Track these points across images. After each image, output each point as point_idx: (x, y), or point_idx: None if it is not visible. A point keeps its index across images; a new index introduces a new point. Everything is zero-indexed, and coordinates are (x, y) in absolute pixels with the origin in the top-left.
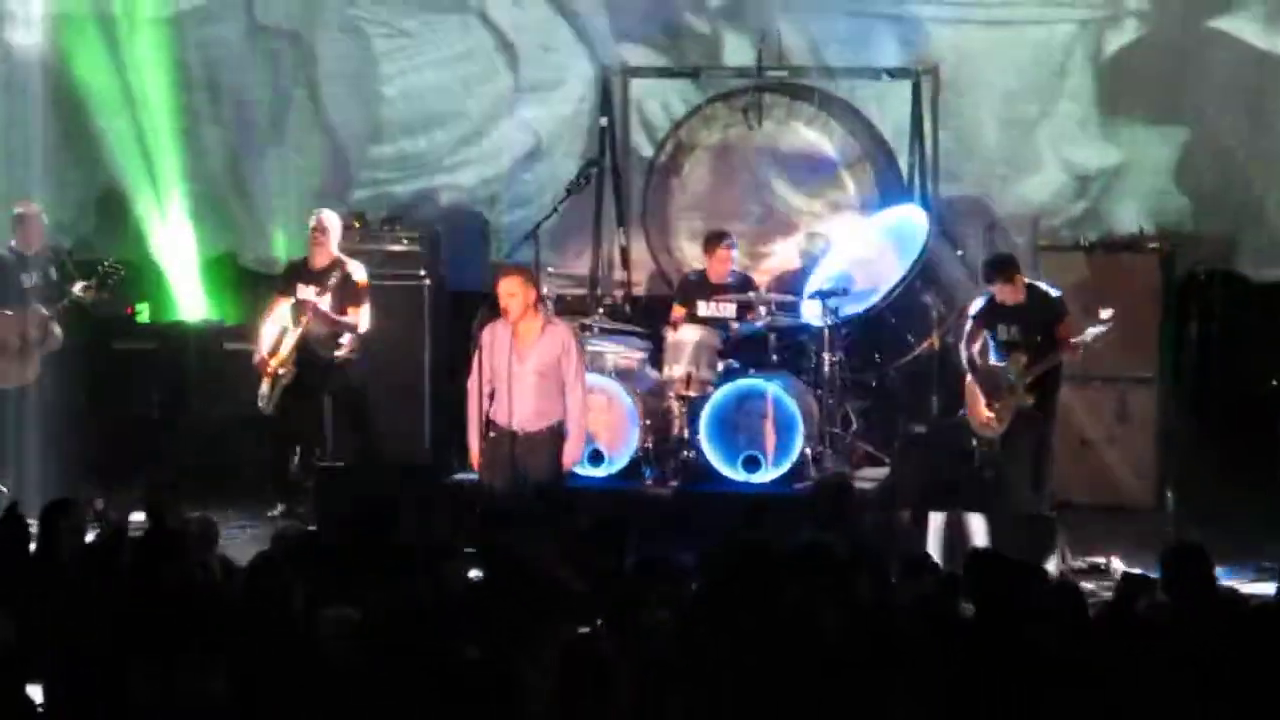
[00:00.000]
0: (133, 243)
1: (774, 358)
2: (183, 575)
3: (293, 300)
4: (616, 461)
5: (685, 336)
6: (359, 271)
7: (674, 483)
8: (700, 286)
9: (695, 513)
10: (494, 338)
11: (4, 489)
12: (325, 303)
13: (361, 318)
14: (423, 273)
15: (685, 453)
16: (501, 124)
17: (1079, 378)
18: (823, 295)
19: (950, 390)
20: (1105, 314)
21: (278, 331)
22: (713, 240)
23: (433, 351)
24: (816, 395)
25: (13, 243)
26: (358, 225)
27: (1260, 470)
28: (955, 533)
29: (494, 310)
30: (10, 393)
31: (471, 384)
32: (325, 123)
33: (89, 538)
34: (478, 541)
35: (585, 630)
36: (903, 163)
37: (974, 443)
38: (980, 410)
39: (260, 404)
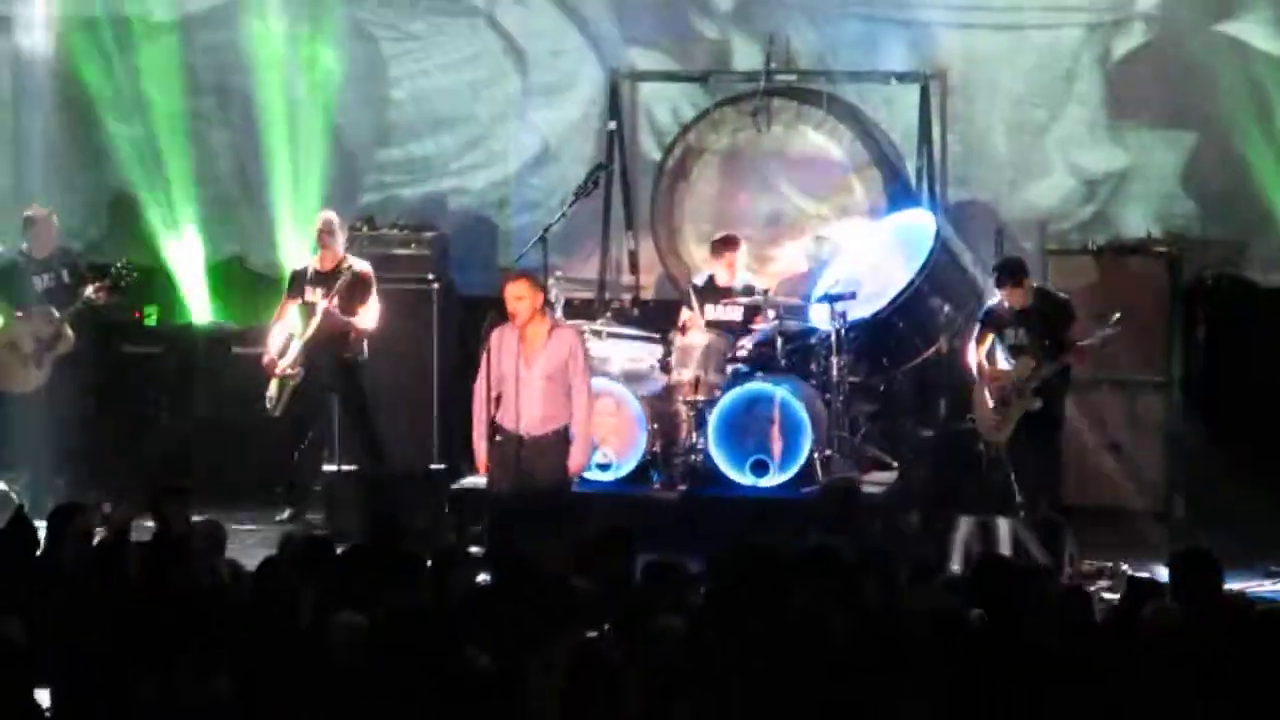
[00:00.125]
0: (141, 246)
1: (782, 362)
2: (189, 579)
3: (301, 303)
4: (624, 465)
5: (693, 340)
6: (360, 264)
7: (682, 487)
8: (708, 291)
9: (703, 517)
10: (501, 341)
11: (14, 494)
12: (334, 305)
13: (369, 313)
14: (431, 276)
15: (693, 457)
16: (510, 128)
17: (1087, 382)
18: (830, 299)
19: (958, 394)
20: (1113, 318)
21: (286, 335)
22: (720, 244)
23: (441, 355)
24: (824, 399)
25: (25, 246)
26: (366, 229)
27: (1268, 474)
28: (979, 538)
29: (502, 314)
30: (19, 396)
31: (478, 388)
32: (333, 126)
33: (96, 541)
34: (485, 545)
35: (594, 635)
36: (911, 167)
37: (982, 447)
38: (988, 414)
39: (268, 406)
